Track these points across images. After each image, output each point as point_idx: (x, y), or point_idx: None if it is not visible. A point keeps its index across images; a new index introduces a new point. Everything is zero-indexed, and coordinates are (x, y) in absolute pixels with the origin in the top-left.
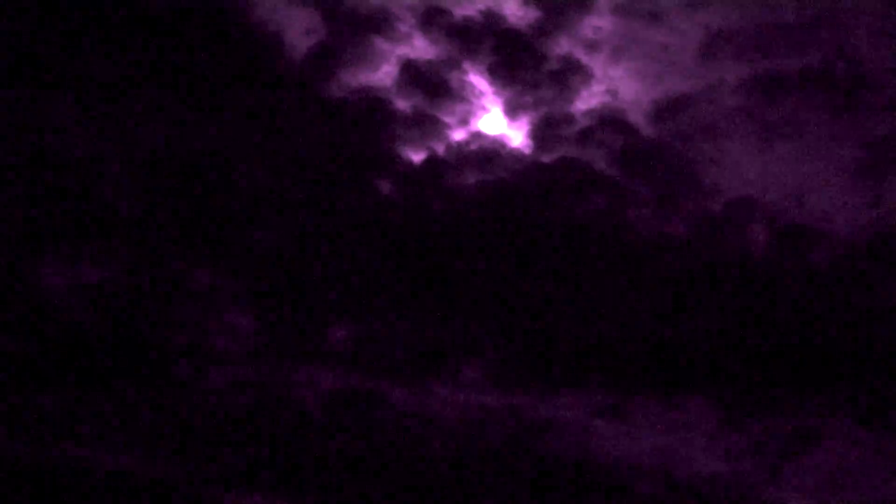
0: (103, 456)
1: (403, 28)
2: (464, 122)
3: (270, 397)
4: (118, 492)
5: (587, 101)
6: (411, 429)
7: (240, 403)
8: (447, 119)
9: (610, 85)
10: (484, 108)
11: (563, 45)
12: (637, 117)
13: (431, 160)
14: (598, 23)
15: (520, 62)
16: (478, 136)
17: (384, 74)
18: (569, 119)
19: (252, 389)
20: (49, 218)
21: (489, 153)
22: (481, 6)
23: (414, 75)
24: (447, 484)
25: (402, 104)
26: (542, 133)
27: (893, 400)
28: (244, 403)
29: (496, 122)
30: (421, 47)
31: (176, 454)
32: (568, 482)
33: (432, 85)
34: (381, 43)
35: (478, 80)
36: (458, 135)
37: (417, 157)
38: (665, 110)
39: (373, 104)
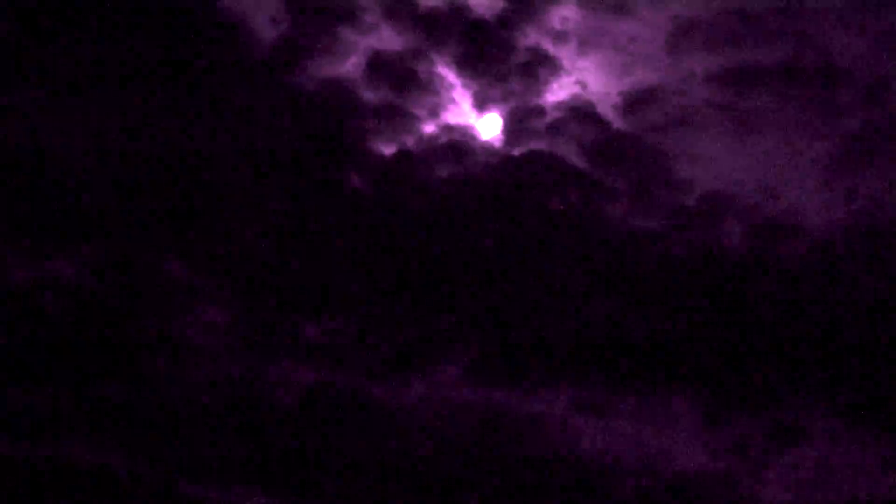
0: (76, 452)
1: (369, 19)
2: (433, 114)
3: (246, 393)
4: (92, 488)
5: (556, 93)
6: (389, 425)
7: (215, 399)
8: (417, 111)
9: (579, 77)
10: (453, 101)
11: (530, 37)
12: (607, 110)
13: (402, 153)
14: (564, 13)
15: (487, 53)
16: (448, 128)
17: (352, 66)
18: (539, 111)
19: (227, 385)
20: (17, 210)
21: (460, 146)
22: None
23: (382, 67)
24: (426, 481)
25: (371, 96)
26: (513, 126)
27: (876, 396)
28: (219, 399)
29: (466, 114)
30: (388, 38)
31: (150, 450)
32: (549, 478)
33: (401, 77)
34: (347, 34)
35: (446, 72)
36: (429, 128)
37: (388, 150)
38: (635, 102)
39: (341, 96)
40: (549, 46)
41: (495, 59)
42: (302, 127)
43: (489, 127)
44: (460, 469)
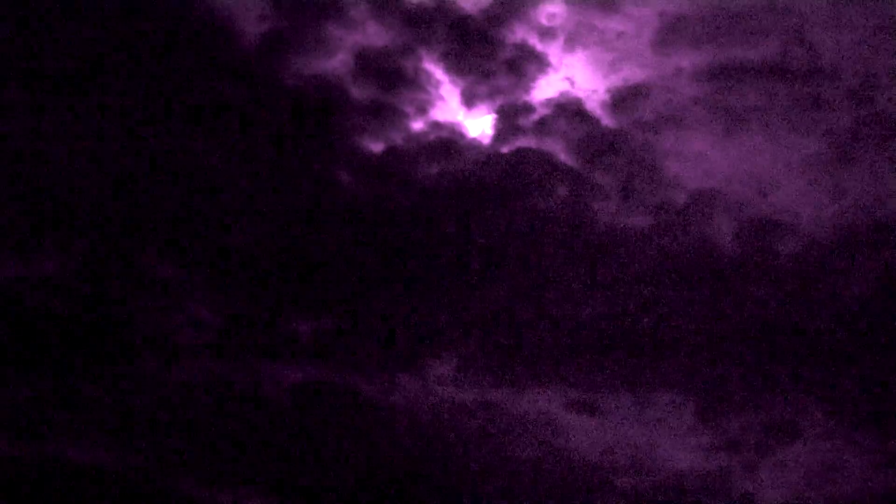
0: (64, 449)
1: (356, 15)
2: (421, 111)
3: (236, 391)
4: (80, 486)
5: (544, 89)
6: (380, 423)
7: (205, 397)
8: (404, 108)
9: (566, 73)
10: (441, 97)
11: (517, 33)
12: (595, 106)
13: (391, 151)
14: (551, 10)
15: (475, 50)
16: (436, 125)
17: (339, 63)
18: (527, 108)
19: (217, 383)
20: (5, 208)
21: (448, 143)
22: None
23: (369, 63)
24: (418, 479)
25: (359, 93)
26: (501, 123)
27: (866, 393)
28: (210, 397)
29: (454, 111)
30: (374, 35)
31: (140, 448)
32: (541, 477)
33: (388, 73)
34: (334, 30)
35: (433, 69)
36: (417, 125)
37: (376, 147)
38: (623, 99)
39: (329, 93)
40: (536, 43)
41: (482, 55)
42: (290, 124)
43: (477, 124)
44: (452, 467)
